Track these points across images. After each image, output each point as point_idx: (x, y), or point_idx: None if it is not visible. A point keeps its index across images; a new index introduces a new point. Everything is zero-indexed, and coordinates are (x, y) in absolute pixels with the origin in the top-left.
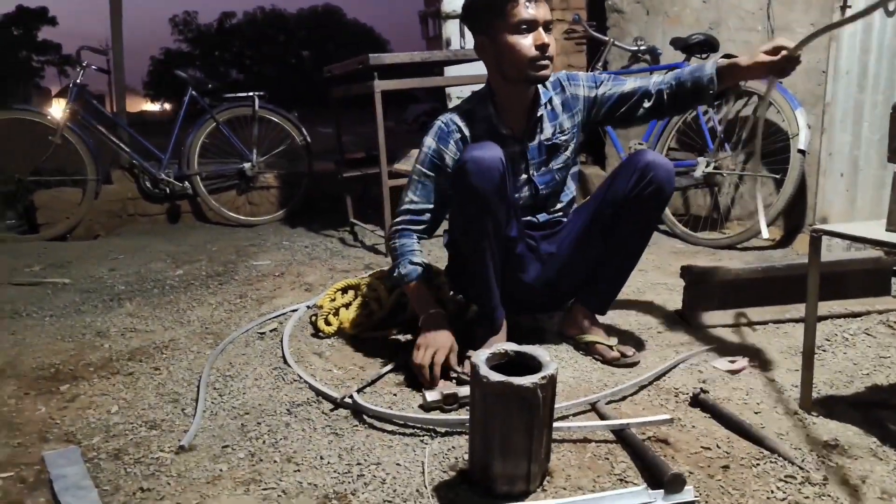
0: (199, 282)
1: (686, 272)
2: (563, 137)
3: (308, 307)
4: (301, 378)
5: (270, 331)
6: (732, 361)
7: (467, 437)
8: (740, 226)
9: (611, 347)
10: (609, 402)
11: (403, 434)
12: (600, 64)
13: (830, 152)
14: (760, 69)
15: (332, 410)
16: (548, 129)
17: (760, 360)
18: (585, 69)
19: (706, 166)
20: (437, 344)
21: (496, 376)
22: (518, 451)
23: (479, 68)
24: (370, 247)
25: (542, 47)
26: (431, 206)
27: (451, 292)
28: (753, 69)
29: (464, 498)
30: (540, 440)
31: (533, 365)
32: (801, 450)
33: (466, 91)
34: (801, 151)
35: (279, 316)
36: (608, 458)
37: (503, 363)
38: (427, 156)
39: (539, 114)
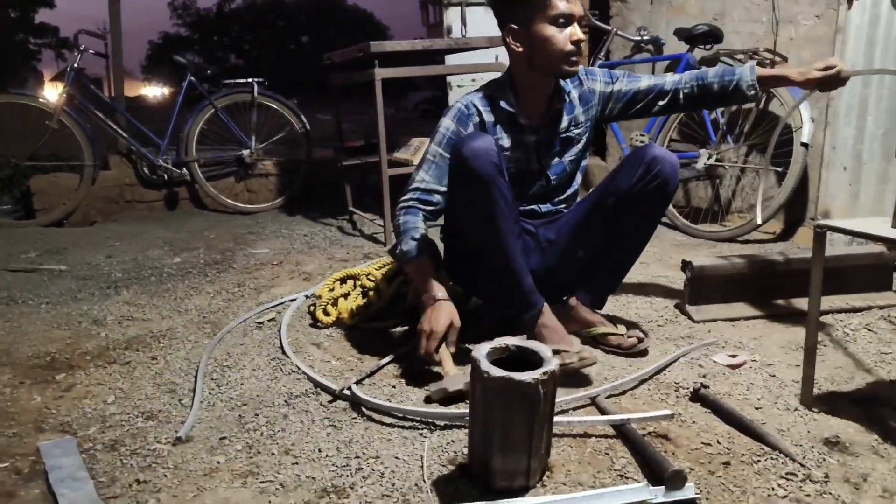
0: (197, 270)
1: (687, 266)
2: (577, 131)
3: (306, 297)
4: (299, 369)
5: (268, 320)
6: (733, 356)
7: (466, 430)
8: (741, 218)
9: (623, 336)
10: (609, 397)
11: (402, 427)
12: (602, 53)
13: (834, 146)
14: (811, 84)
15: (330, 402)
16: (564, 121)
17: (761, 355)
18: (587, 59)
19: (708, 158)
20: (438, 325)
21: (497, 371)
22: (518, 446)
23: (480, 57)
24: (369, 236)
25: (577, 43)
26: (443, 189)
27: (451, 283)
28: (804, 84)
29: (463, 492)
30: (540, 435)
31: (534, 360)
32: (802, 446)
33: (467, 80)
34: (805, 145)
35: (277, 305)
36: (608, 454)
37: (504, 358)
38: (444, 137)
39: (558, 106)
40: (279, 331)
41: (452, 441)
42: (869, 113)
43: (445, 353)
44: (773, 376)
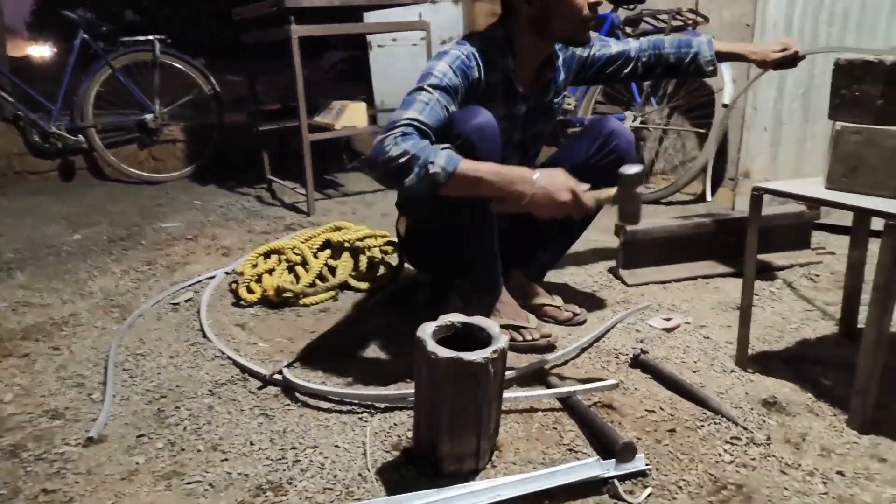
0: (101, 247)
1: (621, 230)
2: (557, 100)
3: (227, 273)
4: (223, 354)
5: (185, 301)
6: (667, 319)
7: (409, 412)
8: (664, 180)
9: (559, 308)
10: (551, 368)
11: (340, 412)
12: None
13: (755, 107)
14: (768, 65)
15: (259, 389)
16: (551, 91)
17: (694, 317)
18: None
19: (633, 120)
20: (568, 183)
21: (445, 352)
22: (467, 428)
23: (402, 14)
24: (290, 205)
25: (594, 7)
26: (433, 138)
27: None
28: (761, 65)
29: (410, 480)
30: (489, 416)
31: (481, 336)
32: (742, 408)
33: (387, 39)
34: (726, 106)
35: (194, 284)
36: (556, 428)
37: (449, 336)
38: (441, 82)
39: (550, 75)
40: (198, 312)
41: (395, 424)
42: (789, 74)
43: (597, 195)
44: (707, 338)
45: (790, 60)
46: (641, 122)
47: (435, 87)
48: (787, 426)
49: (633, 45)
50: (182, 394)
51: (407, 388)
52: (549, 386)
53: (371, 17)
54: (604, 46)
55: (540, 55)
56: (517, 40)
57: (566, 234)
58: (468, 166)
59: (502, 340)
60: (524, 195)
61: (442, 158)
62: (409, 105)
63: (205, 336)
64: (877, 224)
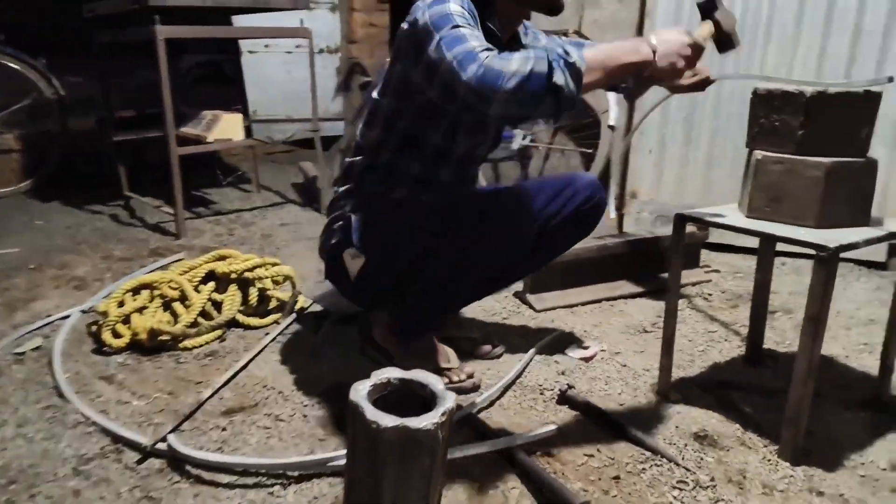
0: None
1: None
2: None
3: (84, 312)
4: (87, 418)
5: (33, 349)
6: (585, 348)
7: (331, 479)
8: None
9: (476, 341)
10: (478, 411)
11: (245, 486)
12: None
13: (641, 130)
14: (681, 90)
15: (138, 463)
16: None
17: (608, 343)
18: (389, 28)
19: (523, 138)
20: (670, 32)
21: (388, 420)
22: (414, 501)
23: (274, 20)
24: (154, 226)
25: None
26: None
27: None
28: (672, 90)
29: None
30: (437, 485)
31: (423, 394)
32: (677, 445)
33: (259, 45)
34: (612, 127)
35: (43, 327)
36: (499, 486)
37: (385, 395)
38: (463, 15)
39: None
40: (50, 363)
41: (316, 497)
42: (672, 98)
43: (700, 32)
44: (625, 366)
45: (700, 85)
46: (531, 141)
47: (466, 24)
48: (725, 463)
49: (552, 45)
50: (38, 476)
51: (326, 450)
52: (479, 431)
53: (240, 21)
54: (535, 39)
55: (515, 23)
56: (501, 10)
57: (509, 275)
58: (591, 48)
59: (449, 399)
60: (650, 59)
61: (569, 47)
62: (462, 39)
63: (61, 395)
64: (781, 246)
